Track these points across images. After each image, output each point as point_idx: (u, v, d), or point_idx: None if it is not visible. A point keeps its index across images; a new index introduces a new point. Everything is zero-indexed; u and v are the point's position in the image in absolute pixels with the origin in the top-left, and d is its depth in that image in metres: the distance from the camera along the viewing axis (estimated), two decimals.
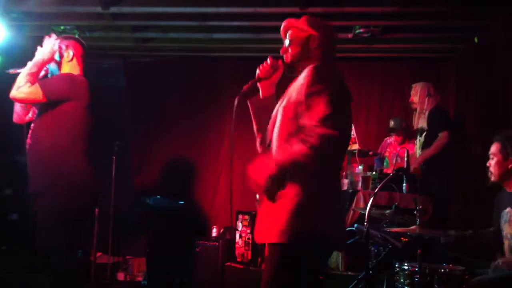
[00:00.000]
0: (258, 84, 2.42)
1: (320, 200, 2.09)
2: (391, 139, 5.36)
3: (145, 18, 4.92)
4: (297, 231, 2.04)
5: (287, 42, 2.34)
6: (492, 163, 3.22)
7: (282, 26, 2.36)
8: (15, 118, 3.39)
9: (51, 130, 3.12)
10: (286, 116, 2.16)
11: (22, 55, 3.34)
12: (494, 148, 3.22)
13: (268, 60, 2.36)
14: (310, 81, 2.10)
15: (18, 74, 3.21)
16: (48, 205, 3.05)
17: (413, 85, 4.96)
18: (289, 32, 2.35)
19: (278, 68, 2.36)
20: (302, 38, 2.31)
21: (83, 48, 3.40)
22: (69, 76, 3.26)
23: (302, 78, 2.16)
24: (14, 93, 3.08)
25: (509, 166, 3.15)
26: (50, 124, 3.13)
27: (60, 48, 3.28)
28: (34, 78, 3.12)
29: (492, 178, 3.24)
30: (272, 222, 2.10)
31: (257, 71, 2.38)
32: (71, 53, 3.32)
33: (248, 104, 2.45)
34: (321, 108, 2.03)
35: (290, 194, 2.08)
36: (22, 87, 3.06)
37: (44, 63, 3.22)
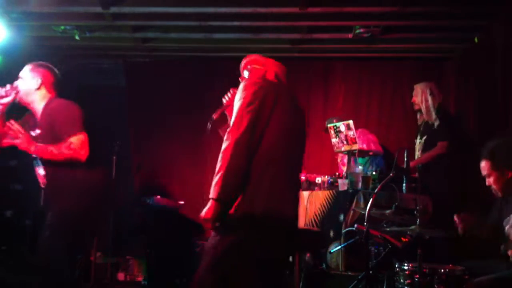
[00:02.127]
0: (226, 112, 2.71)
1: None
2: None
3: (145, 18, 4.92)
4: None
5: (246, 74, 2.76)
6: (491, 181, 3.17)
7: (243, 63, 2.79)
8: None
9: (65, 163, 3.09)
10: None
11: (22, 55, 3.33)
12: (485, 167, 3.16)
13: (232, 91, 2.67)
14: None
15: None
16: (55, 205, 3.09)
17: (415, 86, 4.96)
18: (249, 67, 2.77)
19: None
20: (262, 73, 2.71)
21: (54, 76, 3.31)
22: (69, 107, 3.20)
23: None
24: (74, 155, 3.04)
25: (509, 176, 3.11)
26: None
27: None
28: (50, 144, 3.07)
29: (498, 195, 3.20)
30: None
31: (223, 101, 2.70)
32: (39, 81, 3.23)
33: (220, 132, 2.77)
34: None
35: None
36: (70, 151, 3.03)
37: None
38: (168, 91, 6.15)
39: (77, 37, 5.11)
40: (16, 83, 3.23)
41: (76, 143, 3.04)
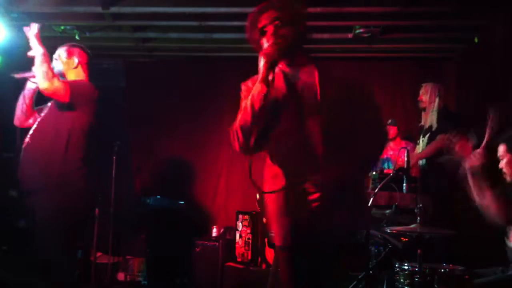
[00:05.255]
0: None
1: None
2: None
3: (145, 18, 4.92)
4: None
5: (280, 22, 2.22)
6: (503, 163, 3.20)
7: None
8: (16, 121, 3.37)
9: (52, 133, 3.14)
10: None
11: (22, 55, 3.33)
12: (501, 150, 3.21)
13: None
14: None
15: (23, 78, 3.24)
16: (44, 204, 3.06)
17: (423, 84, 4.94)
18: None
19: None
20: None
21: (87, 56, 3.44)
22: (86, 83, 3.31)
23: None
24: (47, 84, 3.01)
25: None
26: (53, 128, 3.14)
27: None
28: (55, 74, 3.10)
29: (508, 178, 3.22)
30: None
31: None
32: (76, 60, 3.35)
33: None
34: None
35: None
36: (53, 81, 3.02)
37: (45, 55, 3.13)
38: (168, 91, 6.15)
39: (77, 37, 5.11)
40: (52, 64, 3.26)
41: (61, 83, 3.08)
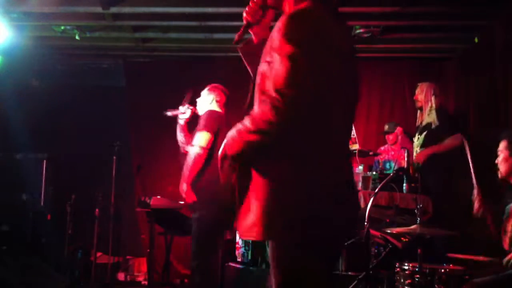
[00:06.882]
0: (250, 31, 2.12)
1: (305, 188, 1.63)
2: (384, 147, 5.41)
3: (145, 18, 4.92)
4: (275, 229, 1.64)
5: None
6: (499, 160, 3.24)
7: None
8: (181, 149, 4.29)
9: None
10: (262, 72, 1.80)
11: (23, 55, 3.34)
12: (501, 146, 3.26)
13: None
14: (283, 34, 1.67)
15: (174, 116, 4.15)
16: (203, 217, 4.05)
17: (419, 84, 4.96)
18: None
19: (267, 7, 2.01)
20: None
21: (226, 97, 4.22)
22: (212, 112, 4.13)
23: (277, 27, 1.76)
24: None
25: None
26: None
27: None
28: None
29: (500, 175, 3.26)
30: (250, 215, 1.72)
31: (244, 15, 2.07)
32: (212, 96, 4.19)
33: (242, 56, 2.15)
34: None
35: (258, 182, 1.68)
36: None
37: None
38: (168, 91, 6.14)
39: (77, 37, 5.11)
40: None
41: (197, 139, 3.94)
